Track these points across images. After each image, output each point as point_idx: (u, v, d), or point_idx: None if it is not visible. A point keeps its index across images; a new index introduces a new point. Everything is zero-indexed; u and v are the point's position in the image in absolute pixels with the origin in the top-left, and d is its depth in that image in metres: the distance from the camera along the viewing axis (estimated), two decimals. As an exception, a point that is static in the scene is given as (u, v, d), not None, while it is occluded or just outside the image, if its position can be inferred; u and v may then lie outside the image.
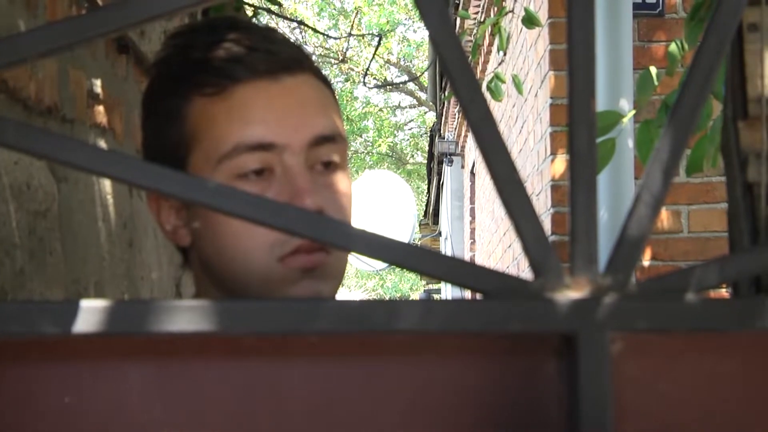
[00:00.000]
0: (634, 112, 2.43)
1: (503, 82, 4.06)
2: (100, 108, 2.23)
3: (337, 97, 1.16)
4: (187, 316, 0.61)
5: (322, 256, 1.04)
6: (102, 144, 2.21)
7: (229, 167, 1.04)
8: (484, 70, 7.50)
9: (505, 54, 6.38)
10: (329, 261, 1.05)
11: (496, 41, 4.70)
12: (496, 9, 5.42)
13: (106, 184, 2.23)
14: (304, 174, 1.04)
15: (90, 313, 0.61)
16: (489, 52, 7.12)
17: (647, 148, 2.15)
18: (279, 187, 1.03)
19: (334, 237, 0.64)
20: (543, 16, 4.45)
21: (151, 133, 1.12)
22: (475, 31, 7.23)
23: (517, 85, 3.92)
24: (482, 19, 6.96)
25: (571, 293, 0.63)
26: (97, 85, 2.21)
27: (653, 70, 2.23)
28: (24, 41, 0.63)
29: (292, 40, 1.14)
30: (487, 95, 4.33)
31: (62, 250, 1.88)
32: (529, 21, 3.55)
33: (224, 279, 1.07)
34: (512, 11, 5.33)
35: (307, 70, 1.09)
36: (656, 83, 2.21)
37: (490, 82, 4.09)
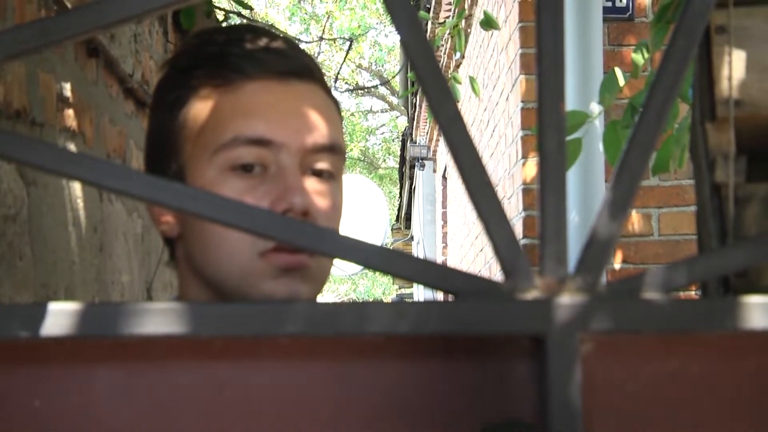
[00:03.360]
0: (602, 111, 2.44)
1: (459, 83, 4.06)
2: (70, 112, 2.22)
3: (342, 114, 1.20)
4: (156, 318, 0.61)
5: (304, 258, 1.05)
6: (72, 148, 2.20)
7: (224, 158, 1.06)
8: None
9: (462, 56, 6.39)
10: (311, 264, 1.06)
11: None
12: (466, 13, 5.44)
13: (76, 189, 2.22)
14: (297, 174, 1.06)
15: (59, 316, 0.61)
16: (463, 56, 7.13)
17: (614, 149, 2.17)
18: (270, 184, 1.05)
19: (305, 239, 0.64)
20: (514, 20, 4.47)
21: (156, 121, 1.15)
22: (430, 33, 7.24)
23: (474, 87, 3.93)
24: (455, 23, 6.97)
25: (540, 294, 0.64)
26: (67, 89, 2.20)
27: (618, 71, 2.25)
28: (-8, 43, 0.62)
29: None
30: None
31: (32, 254, 1.87)
32: (487, 24, 3.55)
33: (205, 272, 1.08)
34: (471, 15, 5.34)
35: (317, 81, 1.13)
36: (621, 84, 2.22)
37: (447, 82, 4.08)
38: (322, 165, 1.09)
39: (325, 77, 1.16)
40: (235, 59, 1.09)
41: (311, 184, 1.08)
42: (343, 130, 1.17)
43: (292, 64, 1.10)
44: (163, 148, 1.11)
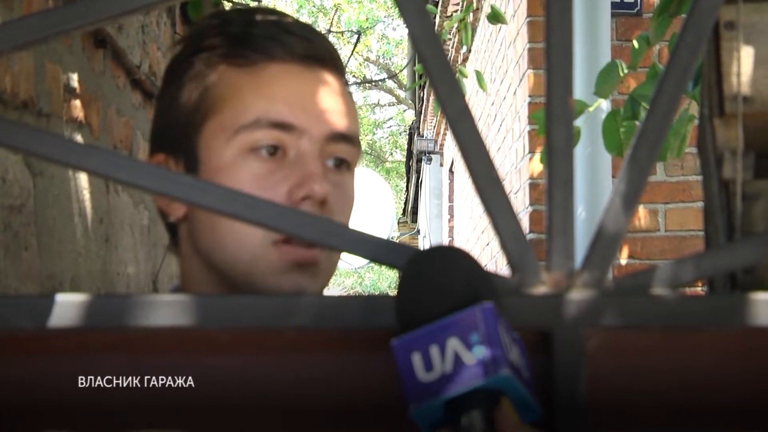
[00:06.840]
0: (599, 102, 2.44)
1: (465, 77, 4.04)
2: (77, 102, 2.22)
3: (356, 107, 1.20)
4: (163, 311, 0.61)
5: (316, 253, 1.04)
6: (78, 138, 2.20)
7: (244, 140, 1.04)
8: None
9: (469, 50, 6.37)
10: (322, 260, 1.05)
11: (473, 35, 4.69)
12: (474, 6, 5.42)
13: (83, 180, 2.22)
14: (317, 161, 1.05)
15: (66, 308, 0.61)
16: (470, 50, 7.13)
17: (613, 137, 2.18)
18: (289, 169, 1.04)
19: (314, 233, 0.64)
20: (522, 14, 4.46)
21: (170, 99, 1.13)
22: (438, 26, 7.23)
23: (480, 82, 3.92)
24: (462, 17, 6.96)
25: (547, 290, 0.64)
26: (74, 80, 2.20)
27: (620, 63, 2.25)
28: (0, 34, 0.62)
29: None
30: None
31: (37, 245, 1.87)
32: (494, 18, 3.54)
33: (212, 256, 1.06)
34: (479, 9, 5.31)
35: (338, 70, 1.12)
36: (621, 74, 2.22)
37: None
38: (339, 155, 1.08)
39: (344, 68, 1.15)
40: (258, 39, 1.08)
41: (328, 173, 1.07)
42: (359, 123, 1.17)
43: (316, 50, 1.09)
44: (177, 125, 1.09)
